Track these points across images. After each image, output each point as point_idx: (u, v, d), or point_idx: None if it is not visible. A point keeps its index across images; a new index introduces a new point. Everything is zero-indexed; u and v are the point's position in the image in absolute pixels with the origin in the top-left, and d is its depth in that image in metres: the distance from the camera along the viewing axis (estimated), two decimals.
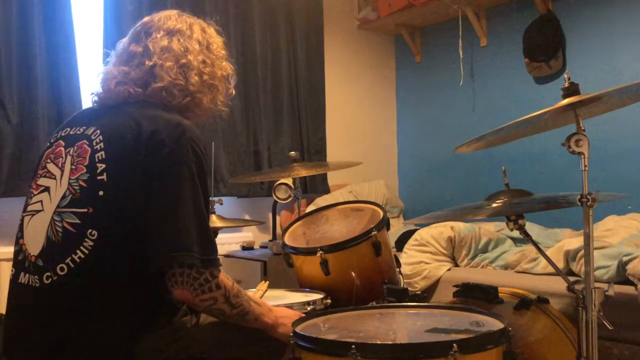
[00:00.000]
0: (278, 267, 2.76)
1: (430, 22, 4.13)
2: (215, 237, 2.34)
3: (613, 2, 3.28)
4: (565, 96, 1.40)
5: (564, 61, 3.44)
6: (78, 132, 1.35)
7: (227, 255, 3.23)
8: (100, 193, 1.24)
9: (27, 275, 1.27)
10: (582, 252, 2.19)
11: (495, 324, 1.29)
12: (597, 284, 1.36)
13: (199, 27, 1.50)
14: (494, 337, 1.18)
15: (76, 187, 1.27)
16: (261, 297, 1.82)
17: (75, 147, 1.32)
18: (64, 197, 1.27)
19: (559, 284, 1.73)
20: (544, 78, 3.54)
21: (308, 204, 3.54)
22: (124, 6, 3.06)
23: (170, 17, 1.47)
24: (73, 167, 1.30)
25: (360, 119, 4.26)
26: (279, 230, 3.45)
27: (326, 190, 3.81)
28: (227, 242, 3.37)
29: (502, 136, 1.59)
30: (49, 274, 1.23)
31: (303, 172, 2.38)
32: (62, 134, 1.39)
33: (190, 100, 1.42)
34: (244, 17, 3.56)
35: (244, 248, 3.33)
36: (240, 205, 3.55)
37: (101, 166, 1.26)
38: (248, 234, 3.53)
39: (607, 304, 1.36)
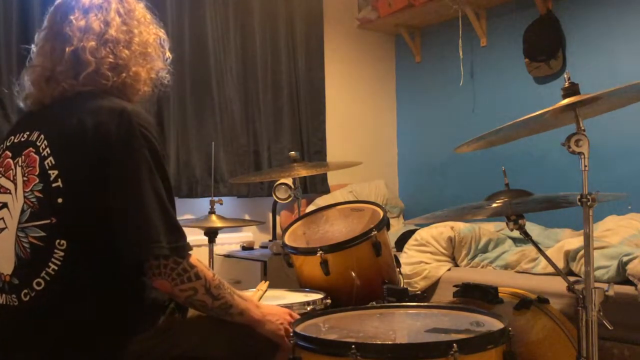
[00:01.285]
0: (278, 267, 2.75)
1: (430, 22, 4.12)
2: (215, 237, 2.39)
3: (613, 2, 3.28)
4: (565, 96, 1.40)
5: (564, 61, 3.44)
6: (22, 139, 1.28)
7: (227, 255, 3.23)
8: (59, 201, 1.19)
9: (3, 295, 1.22)
10: (582, 252, 2.19)
11: (495, 324, 1.29)
12: (597, 284, 1.36)
13: None
14: (494, 337, 1.18)
15: (33, 200, 1.21)
16: (261, 297, 1.82)
17: (23, 157, 1.25)
18: (23, 211, 1.22)
19: (559, 284, 1.73)
20: (544, 78, 3.54)
21: (308, 204, 3.54)
22: None
23: None
24: (25, 178, 1.24)
25: (360, 119, 4.26)
26: (279, 230, 3.45)
27: (326, 190, 3.81)
28: (227, 242, 3.37)
29: (502, 136, 1.59)
30: (26, 291, 1.19)
31: (303, 172, 2.38)
32: (7, 144, 1.31)
33: (126, 75, 1.33)
34: (244, 18, 3.56)
35: (244, 248, 3.33)
36: (240, 205, 3.55)
37: (53, 173, 1.21)
38: (248, 234, 3.53)
39: (607, 304, 1.36)
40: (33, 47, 1.40)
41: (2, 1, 2.72)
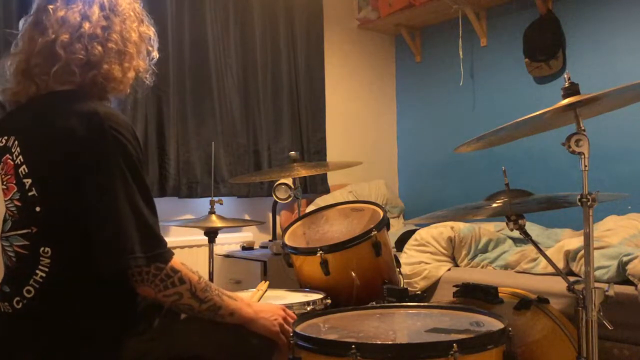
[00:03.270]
0: (278, 267, 2.75)
1: (430, 22, 4.12)
2: (215, 237, 2.39)
3: (613, 2, 3.28)
4: (565, 96, 1.40)
5: (564, 61, 3.44)
6: (1, 145, 1.24)
7: (227, 255, 3.23)
8: (37, 209, 1.17)
9: None
10: (582, 252, 2.19)
11: (495, 324, 1.29)
12: (597, 284, 1.36)
13: None
14: (494, 337, 1.18)
15: (13, 209, 1.19)
16: (261, 297, 1.82)
17: (2, 164, 1.23)
18: (5, 220, 1.20)
19: (559, 284, 1.73)
20: (544, 78, 3.54)
21: (308, 204, 3.54)
22: None
23: None
24: (4, 187, 1.21)
25: (360, 119, 4.26)
26: (279, 230, 3.45)
27: (326, 190, 3.80)
28: (227, 242, 3.37)
29: (502, 136, 1.59)
30: (18, 298, 1.18)
31: (303, 172, 2.38)
32: None
33: (95, 73, 1.25)
34: (244, 18, 3.56)
35: (244, 248, 3.33)
36: (240, 205, 3.55)
37: (28, 181, 1.18)
38: (248, 234, 3.53)
39: (607, 304, 1.36)
40: (19, 34, 1.33)
41: (2, 5, 2.71)
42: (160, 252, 1.19)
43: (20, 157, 1.20)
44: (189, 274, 1.23)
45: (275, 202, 3.31)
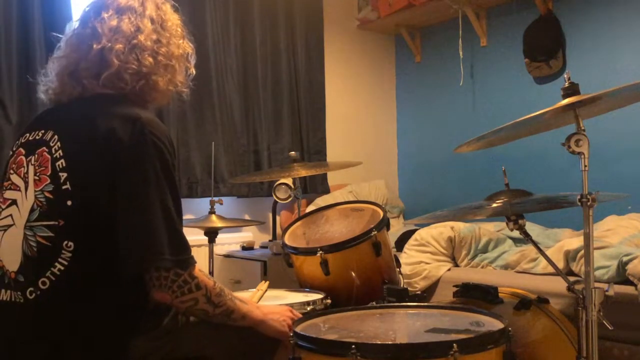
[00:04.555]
0: (278, 267, 2.75)
1: (430, 22, 4.12)
2: (215, 237, 2.39)
3: (613, 2, 3.28)
4: (565, 96, 1.40)
5: (564, 61, 3.44)
6: (37, 138, 1.28)
7: (227, 255, 3.23)
8: (69, 203, 1.19)
9: (8, 291, 1.22)
10: (582, 252, 2.19)
11: (495, 324, 1.29)
12: (597, 284, 1.36)
13: (153, 3, 1.39)
14: (494, 337, 1.18)
15: (42, 200, 1.21)
16: (261, 297, 1.82)
17: (36, 156, 1.25)
18: (32, 210, 1.22)
19: (559, 284, 1.73)
20: (544, 78, 3.54)
21: (308, 204, 3.54)
22: None
23: None
24: (36, 177, 1.23)
25: (360, 119, 4.26)
26: (279, 230, 3.45)
27: (326, 190, 3.80)
28: (227, 242, 3.37)
29: (502, 136, 1.59)
30: (31, 289, 1.19)
31: (303, 172, 2.38)
32: (22, 141, 1.31)
33: (144, 83, 1.33)
34: (244, 17, 3.56)
35: (244, 248, 3.33)
36: (240, 205, 3.55)
37: (63, 175, 1.21)
38: (248, 234, 3.53)
39: (607, 304, 1.36)
40: (62, 38, 1.39)
41: (3, 0, 2.72)
42: (186, 258, 1.22)
43: (60, 151, 1.23)
44: (205, 280, 1.25)
45: (275, 202, 3.31)
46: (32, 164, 1.25)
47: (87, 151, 1.21)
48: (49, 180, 1.22)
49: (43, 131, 1.28)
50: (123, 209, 1.18)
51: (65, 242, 1.18)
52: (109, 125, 1.20)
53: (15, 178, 1.27)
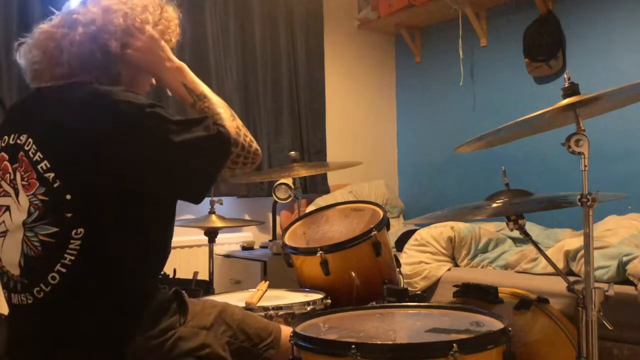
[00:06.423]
0: (278, 267, 2.76)
1: (430, 22, 4.13)
2: (215, 237, 2.39)
3: (613, 2, 3.29)
4: (565, 96, 1.40)
5: (564, 61, 3.45)
6: (12, 143, 1.25)
7: (227, 255, 3.23)
8: (68, 197, 1.17)
9: (15, 295, 1.22)
10: (582, 252, 2.19)
11: (495, 324, 1.29)
12: (597, 284, 1.36)
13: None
14: (494, 337, 1.18)
15: (37, 203, 1.20)
16: (261, 297, 1.82)
17: (19, 162, 1.23)
18: (30, 213, 1.20)
19: (559, 284, 1.73)
20: (544, 78, 3.54)
21: (308, 204, 3.55)
22: None
23: None
24: (24, 182, 1.21)
25: (360, 119, 4.26)
26: (279, 230, 3.45)
27: (326, 190, 3.80)
28: (227, 242, 3.37)
29: (502, 136, 1.59)
30: (38, 288, 1.19)
31: (303, 172, 2.38)
32: (3, 145, 1.28)
33: (124, 72, 1.35)
34: (244, 18, 3.56)
35: (244, 248, 3.33)
36: (240, 205, 3.55)
37: (50, 175, 1.18)
38: (248, 234, 3.53)
39: (607, 304, 1.36)
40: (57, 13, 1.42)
41: (2, 5, 2.71)
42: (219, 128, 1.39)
43: (39, 153, 1.21)
44: (226, 131, 1.40)
45: (275, 202, 3.31)
46: (18, 171, 1.23)
47: (70, 144, 1.19)
48: (38, 184, 1.20)
49: (17, 134, 1.25)
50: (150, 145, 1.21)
51: (75, 231, 1.17)
52: (82, 110, 1.20)
53: (4, 184, 1.26)
